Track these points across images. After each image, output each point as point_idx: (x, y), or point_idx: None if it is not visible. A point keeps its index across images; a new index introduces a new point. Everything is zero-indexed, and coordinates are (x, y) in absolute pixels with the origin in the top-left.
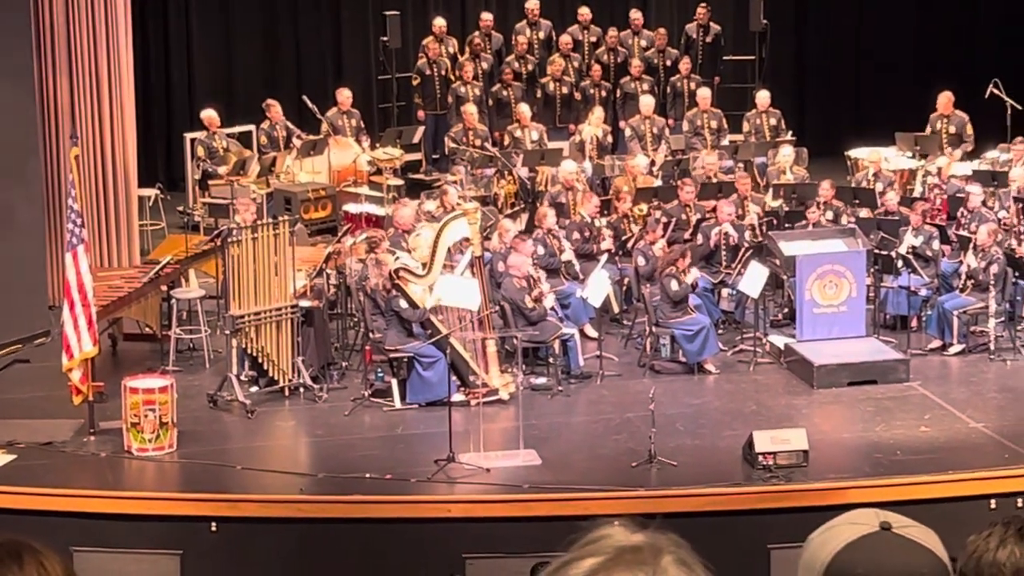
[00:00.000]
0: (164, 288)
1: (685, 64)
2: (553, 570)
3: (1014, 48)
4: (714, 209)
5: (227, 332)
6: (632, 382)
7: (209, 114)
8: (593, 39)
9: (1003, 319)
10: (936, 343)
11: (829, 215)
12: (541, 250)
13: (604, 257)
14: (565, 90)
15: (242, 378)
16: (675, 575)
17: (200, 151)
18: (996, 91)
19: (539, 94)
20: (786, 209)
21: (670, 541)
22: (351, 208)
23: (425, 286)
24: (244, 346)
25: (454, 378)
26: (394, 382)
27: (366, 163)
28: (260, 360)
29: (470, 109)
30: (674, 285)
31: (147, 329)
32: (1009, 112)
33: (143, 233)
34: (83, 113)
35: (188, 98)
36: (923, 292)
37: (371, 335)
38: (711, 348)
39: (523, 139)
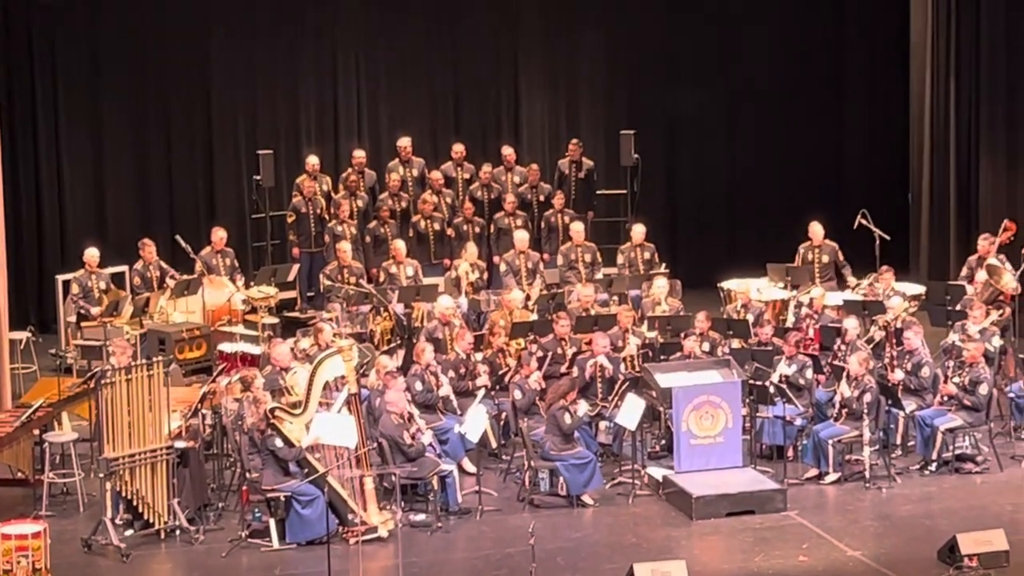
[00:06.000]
0: (36, 432)
1: (559, 199)
2: None
3: (880, 178)
4: (590, 341)
5: (101, 475)
6: (511, 517)
7: (90, 253)
8: (467, 176)
9: (877, 447)
10: (812, 472)
11: (706, 346)
12: (419, 386)
13: (481, 392)
14: (436, 227)
15: (117, 521)
16: None
17: (74, 288)
18: (864, 222)
19: (411, 232)
20: (661, 341)
21: None
22: (226, 347)
23: (301, 424)
24: (119, 489)
25: (332, 516)
26: (272, 522)
27: (241, 302)
28: (135, 503)
29: (344, 247)
30: (567, 418)
31: (19, 474)
32: (878, 242)
33: (15, 376)
34: None
35: (60, 239)
36: (798, 421)
37: (248, 474)
38: (597, 481)
39: (398, 275)
